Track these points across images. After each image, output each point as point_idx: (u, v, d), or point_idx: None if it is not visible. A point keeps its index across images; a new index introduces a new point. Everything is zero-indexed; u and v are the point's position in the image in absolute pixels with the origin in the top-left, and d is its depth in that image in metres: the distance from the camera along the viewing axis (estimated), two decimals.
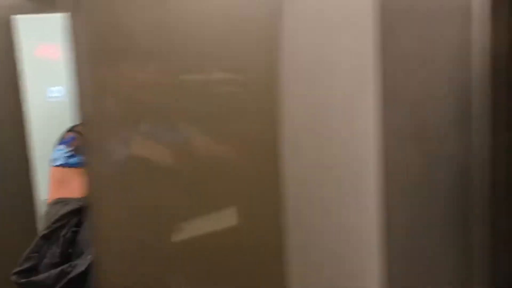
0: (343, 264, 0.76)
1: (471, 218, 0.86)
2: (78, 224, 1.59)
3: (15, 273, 1.54)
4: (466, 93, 0.82)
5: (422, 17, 0.74)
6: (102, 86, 1.00)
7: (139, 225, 1.05)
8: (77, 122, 1.31)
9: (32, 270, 1.54)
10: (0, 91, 2.66)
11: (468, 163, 0.84)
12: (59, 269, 1.52)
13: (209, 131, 0.94)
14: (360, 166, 0.73)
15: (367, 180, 0.73)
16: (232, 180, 0.92)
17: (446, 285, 0.82)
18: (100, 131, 1.02)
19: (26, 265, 1.54)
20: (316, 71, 0.76)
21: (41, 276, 1.51)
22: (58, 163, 1.72)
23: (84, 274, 1.50)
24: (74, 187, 1.66)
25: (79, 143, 1.70)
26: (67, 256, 1.57)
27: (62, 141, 1.77)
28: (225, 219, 0.93)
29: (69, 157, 1.71)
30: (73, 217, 1.59)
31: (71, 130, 1.80)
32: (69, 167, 1.70)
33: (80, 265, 1.51)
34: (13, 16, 2.54)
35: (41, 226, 1.75)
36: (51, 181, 1.75)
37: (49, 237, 1.57)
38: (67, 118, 1.95)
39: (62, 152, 1.73)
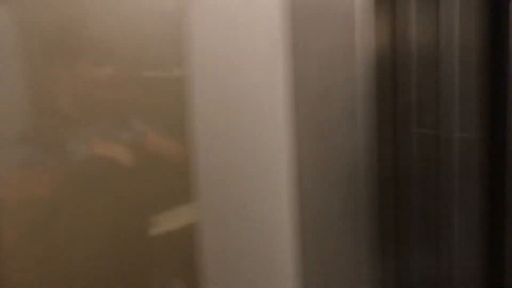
0: (258, 260, 0.78)
1: (360, 213, 0.88)
2: None
3: None
4: (353, 91, 0.84)
5: (324, 19, 0.77)
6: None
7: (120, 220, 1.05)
8: None
9: None
10: None
11: (356, 160, 0.86)
12: None
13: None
14: (272, 163, 0.75)
15: (279, 176, 0.74)
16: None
17: (346, 276, 0.85)
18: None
19: None
20: (225, 68, 0.79)
21: None
22: None
23: None
24: None
25: None
26: None
27: None
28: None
29: None
30: None
31: None
32: None
33: None
34: None
35: None
36: None
37: None
38: None
39: None
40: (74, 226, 0.98)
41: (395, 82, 0.91)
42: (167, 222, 0.93)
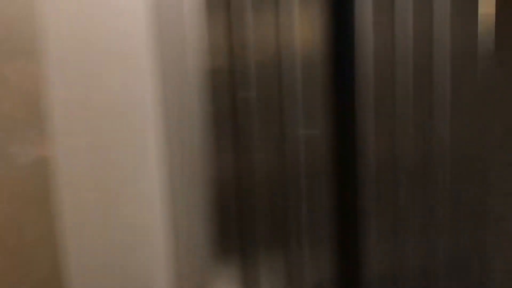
0: (130, 263, 0.78)
1: (202, 213, 0.87)
2: None
3: None
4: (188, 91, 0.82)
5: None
6: None
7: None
8: None
9: None
10: None
11: (195, 160, 0.85)
12: None
13: None
14: (140, 164, 0.74)
15: (149, 177, 0.73)
16: None
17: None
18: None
19: None
20: (86, 67, 0.75)
21: None
22: None
23: None
24: None
25: None
26: None
27: None
28: None
29: None
30: None
31: None
32: None
33: None
34: None
35: None
36: None
37: None
38: None
39: None
40: None
41: (234, 82, 0.92)
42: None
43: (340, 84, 0.95)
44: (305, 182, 0.96)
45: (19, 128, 0.73)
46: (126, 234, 0.77)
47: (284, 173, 0.94)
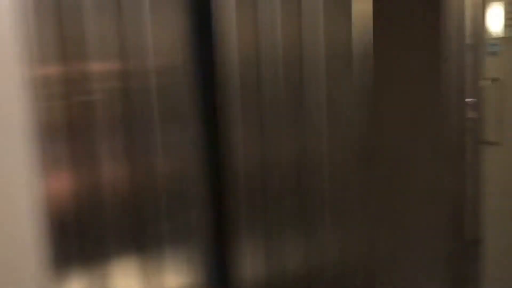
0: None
1: None
2: None
3: None
4: None
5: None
6: None
7: None
8: None
9: None
10: None
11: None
12: None
13: None
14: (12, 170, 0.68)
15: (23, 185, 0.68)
16: None
17: None
18: None
19: None
20: None
21: None
22: None
23: None
24: None
25: None
26: None
27: None
28: None
29: None
30: None
31: None
32: None
33: None
34: None
35: None
36: None
37: None
38: None
39: None
40: None
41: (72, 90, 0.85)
42: None
43: (202, 89, 0.87)
44: (170, 189, 0.88)
45: None
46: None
47: (143, 182, 0.86)
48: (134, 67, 0.83)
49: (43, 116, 0.75)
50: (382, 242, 1.01)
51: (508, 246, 3.18)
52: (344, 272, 0.91)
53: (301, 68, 0.86)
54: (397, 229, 1.03)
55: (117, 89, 0.83)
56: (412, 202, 1.05)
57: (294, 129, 0.86)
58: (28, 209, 0.71)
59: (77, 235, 0.82)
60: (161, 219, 0.88)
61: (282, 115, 0.85)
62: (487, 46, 3.16)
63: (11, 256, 0.71)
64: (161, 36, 0.83)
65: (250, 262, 0.87)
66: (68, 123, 0.79)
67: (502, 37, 3.05)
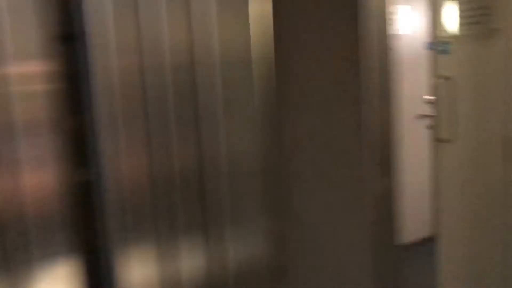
0: None
1: None
2: None
3: None
4: None
5: None
6: None
7: None
8: None
9: None
10: None
11: None
12: None
13: None
14: None
15: None
16: None
17: None
18: None
19: None
20: None
21: None
22: None
23: None
24: None
25: None
26: None
27: None
28: None
29: None
30: None
31: None
32: None
33: None
34: None
35: None
36: None
37: None
38: None
39: None
40: None
41: None
42: None
43: (74, 99, 0.81)
44: (35, 208, 0.83)
45: None
46: None
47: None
48: None
49: None
50: (294, 246, 0.98)
51: (462, 242, 3.23)
52: (249, 277, 0.88)
53: (193, 73, 0.81)
54: (312, 230, 0.99)
55: None
56: (333, 204, 1.02)
57: (188, 137, 0.82)
58: None
59: None
60: (28, 243, 0.83)
61: (172, 123, 0.81)
62: (439, 45, 3.18)
63: None
64: (23, 43, 0.77)
65: (139, 272, 0.83)
66: None
67: (455, 36, 3.07)
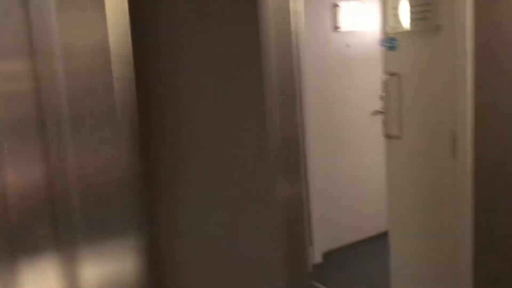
0: None
1: None
2: None
3: None
4: None
5: None
6: None
7: None
8: None
9: None
10: None
11: None
12: None
13: None
14: None
15: None
16: None
17: None
18: None
19: None
20: None
21: None
22: None
23: None
24: None
25: None
26: None
27: None
28: None
29: None
30: None
31: None
32: None
33: None
34: None
35: None
36: None
37: None
38: None
39: None
40: None
41: None
42: None
43: None
44: None
45: None
46: None
47: None
48: None
49: None
50: (179, 260, 0.93)
51: (412, 236, 3.25)
52: None
53: (34, 80, 0.74)
54: (207, 243, 0.95)
55: None
56: (233, 214, 0.98)
57: (31, 151, 0.76)
58: None
59: None
60: None
61: (10, 138, 0.74)
62: (387, 41, 3.19)
63: None
64: None
65: None
66: None
67: (402, 32, 3.08)
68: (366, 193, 4.67)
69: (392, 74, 3.18)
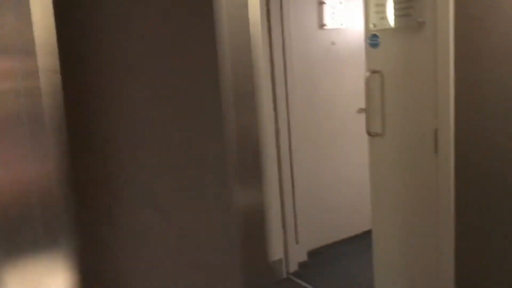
0: None
1: None
2: None
3: None
4: None
5: None
6: None
7: None
8: None
9: None
10: None
11: None
12: None
13: None
14: None
15: None
16: None
17: None
18: None
19: None
20: None
21: None
22: None
23: None
24: None
25: None
26: None
27: None
28: None
29: None
30: None
31: None
32: None
33: None
34: None
35: None
36: None
37: None
38: None
39: None
40: None
41: None
42: None
43: None
44: None
45: None
46: None
47: None
48: None
49: None
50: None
51: (394, 234, 3.24)
52: None
53: None
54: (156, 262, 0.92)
55: None
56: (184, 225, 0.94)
57: None
58: None
59: None
60: None
61: None
62: (370, 38, 3.17)
63: None
64: None
65: None
66: None
67: (384, 29, 3.06)
68: (352, 192, 4.66)
69: (374, 72, 3.16)
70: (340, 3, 4.51)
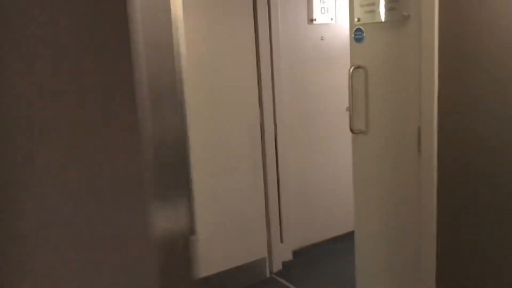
0: None
1: None
2: None
3: None
4: None
5: None
6: None
7: None
8: None
9: None
10: None
11: None
12: None
13: None
14: None
15: None
16: None
17: None
18: None
19: None
20: None
21: None
22: None
23: None
24: None
25: None
26: None
27: None
28: None
29: None
30: None
31: None
32: None
33: None
34: None
35: None
36: None
37: None
38: None
39: None
40: None
41: None
42: None
43: None
44: None
45: None
46: None
47: None
48: None
49: None
50: None
51: (375, 234, 3.15)
52: None
53: None
54: None
55: None
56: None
57: None
58: None
59: None
60: None
61: None
62: (354, 33, 3.07)
63: None
64: None
65: None
66: None
67: (369, 23, 2.96)
68: (337, 191, 4.57)
69: (358, 67, 3.06)
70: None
